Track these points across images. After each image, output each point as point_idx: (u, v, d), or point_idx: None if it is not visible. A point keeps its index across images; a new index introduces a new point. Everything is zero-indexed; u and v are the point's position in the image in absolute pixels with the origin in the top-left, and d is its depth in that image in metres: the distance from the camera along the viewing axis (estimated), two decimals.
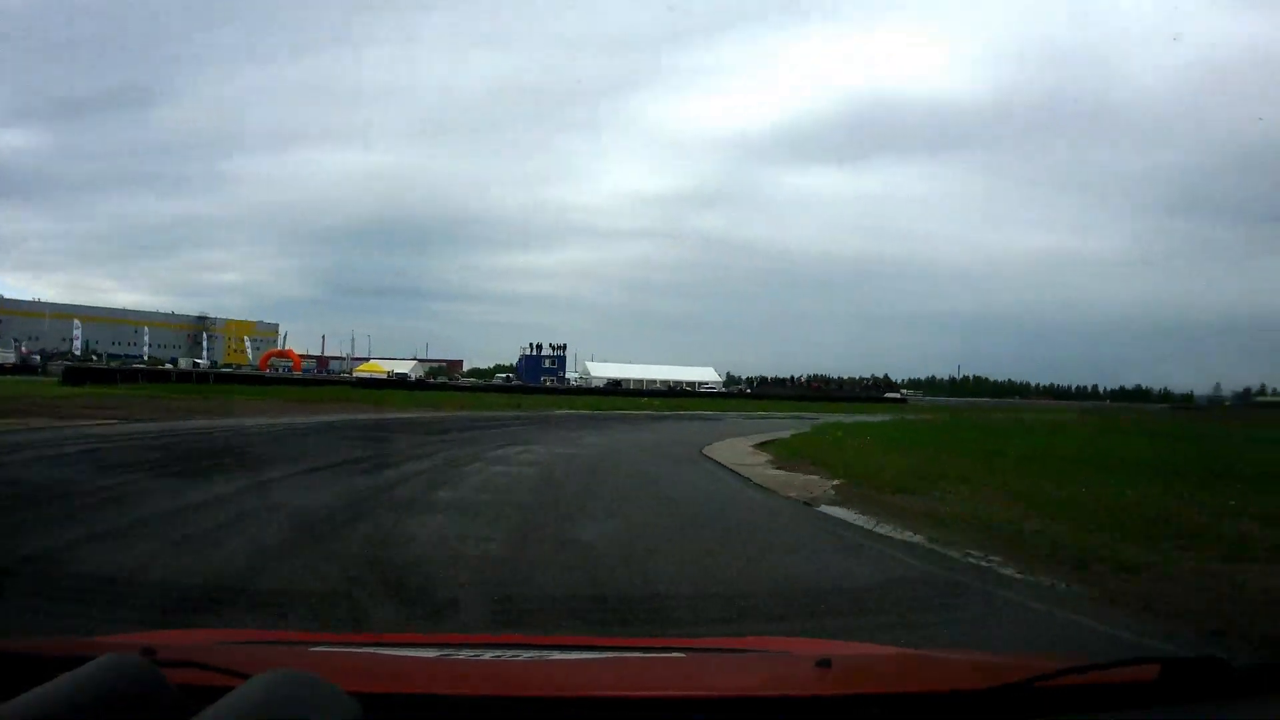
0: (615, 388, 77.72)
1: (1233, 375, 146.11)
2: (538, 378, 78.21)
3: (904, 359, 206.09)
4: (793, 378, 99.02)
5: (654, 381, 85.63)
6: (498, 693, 1.42)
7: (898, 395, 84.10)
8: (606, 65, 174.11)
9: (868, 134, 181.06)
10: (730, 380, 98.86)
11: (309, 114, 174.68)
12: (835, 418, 35.01)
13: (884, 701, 1.40)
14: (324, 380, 59.84)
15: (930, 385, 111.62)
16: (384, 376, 68.01)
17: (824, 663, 1.52)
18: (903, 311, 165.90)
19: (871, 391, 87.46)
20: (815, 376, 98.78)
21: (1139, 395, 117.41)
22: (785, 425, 28.34)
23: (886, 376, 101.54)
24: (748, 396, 72.17)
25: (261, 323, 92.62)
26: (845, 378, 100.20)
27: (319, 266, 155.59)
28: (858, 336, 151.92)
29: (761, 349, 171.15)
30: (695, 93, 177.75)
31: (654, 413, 40.79)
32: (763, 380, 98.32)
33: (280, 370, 72.29)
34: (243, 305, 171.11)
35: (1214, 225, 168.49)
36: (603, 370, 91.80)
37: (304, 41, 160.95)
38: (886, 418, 36.62)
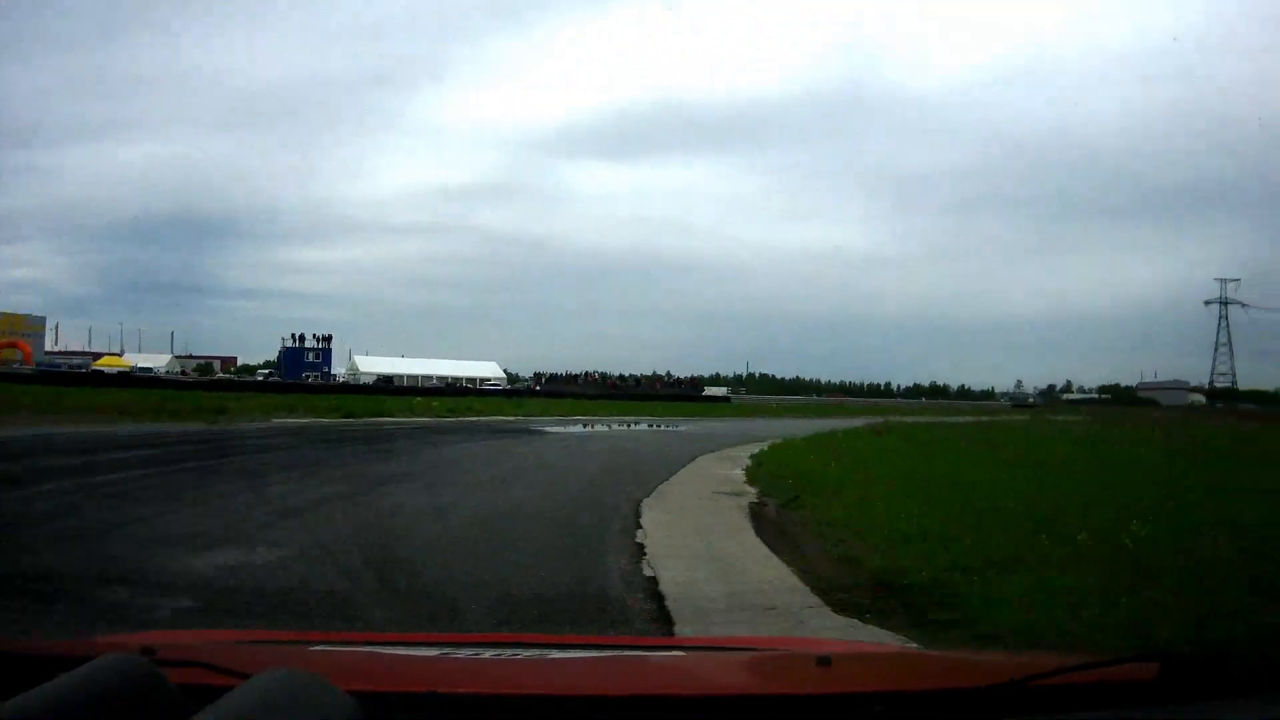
0: (386, 384, 70.15)
1: (1029, 373, 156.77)
2: (300, 373, 69.09)
3: (695, 355, 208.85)
4: (586, 374, 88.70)
5: (430, 378, 77.06)
6: (497, 691, 1.42)
7: (721, 393, 78.48)
8: (392, 59, 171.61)
9: (658, 131, 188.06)
10: (513, 378, 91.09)
11: (88, 107, 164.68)
12: (717, 425, 31.20)
13: (884, 700, 1.41)
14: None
15: (721, 381, 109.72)
16: (125, 371, 63.03)
17: (824, 661, 1.54)
18: (693, 307, 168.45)
19: (685, 390, 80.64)
20: (623, 376, 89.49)
21: (937, 392, 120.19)
22: (694, 452, 17.59)
23: (699, 375, 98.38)
24: (536, 394, 61.61)
25: (31, 316, 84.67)
26: (645, 375, 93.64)
27: (101, 262, 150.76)
28: (647, 332, 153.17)
29: (546, 344, 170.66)
30: (485, 87, 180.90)
31: (416, 420, 28.10)
32: (553, 377, 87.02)
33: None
34: (35, 302, 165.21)
35: (1004, 224, 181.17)
36: (373, 365, 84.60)
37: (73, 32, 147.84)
38: (821, 425, 28.87)
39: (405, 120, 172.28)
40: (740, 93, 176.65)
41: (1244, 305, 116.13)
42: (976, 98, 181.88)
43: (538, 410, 38.72)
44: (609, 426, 29.31)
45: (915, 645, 4.12)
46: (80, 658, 1.16)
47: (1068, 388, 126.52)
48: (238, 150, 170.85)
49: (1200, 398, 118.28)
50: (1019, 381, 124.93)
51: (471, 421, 29.06)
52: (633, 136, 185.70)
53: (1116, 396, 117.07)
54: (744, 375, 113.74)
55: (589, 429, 27.50)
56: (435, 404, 38.56)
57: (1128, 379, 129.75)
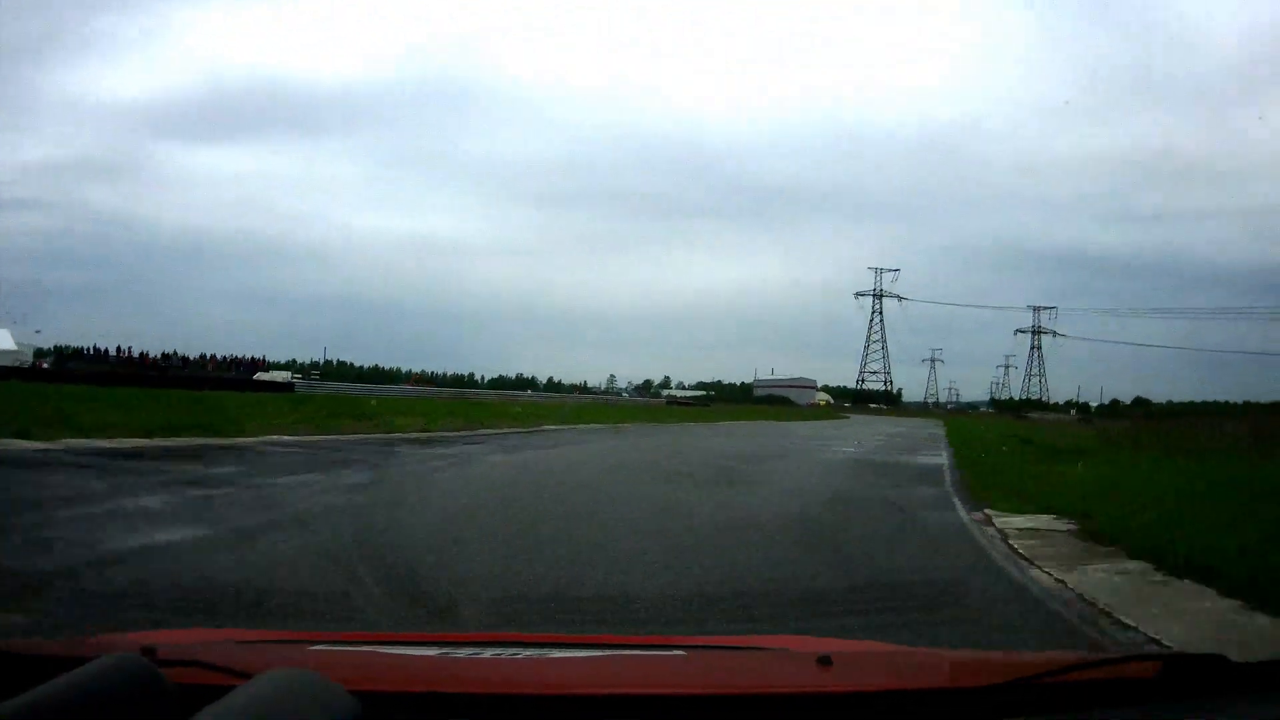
0: None
1: (630, 369, 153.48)
2: None
3: (287, 340, 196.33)
4: (119, 350, 56.18)
5: None
6: (498, 691, 1.43)
7: (284, 378, 58.50)
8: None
9: (258, 112, 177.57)
10: (41, 351, 66.45)
11: None
12: None
13: (884, 699, 1.41)
14: None
15: (294, 367, 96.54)
16: None
17: (824, 660, 1.53)
18: (289, 292, 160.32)
19: (236, 373, 57.25)
20: (166, 355, 58.07)
21: (525, 384, 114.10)
22: None
23: (265, 358, 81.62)
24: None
25: None
26: (204, 356, 74.37)
27: None
28: (241, 315, 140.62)
29: (139, 322, 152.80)
30: (90, 60, 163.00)
31: None
32: (78, 353, 55.16)
33: None
34: None
35: (603, 218, 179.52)
36: None
37: None
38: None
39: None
40: (339, 78, 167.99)
41: (899, 299, 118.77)
42: (577, 90, 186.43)
43: None
44: None
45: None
46: (80, 658, 1.16)
47: (666, 383, 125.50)
48: None
49: (826, 396, 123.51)
50: (612, 376, 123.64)
51: None
52: (232, 117, 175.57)
53: (722, 394, 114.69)
54: (320, 361, 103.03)
55: None
56: None
57: (744, 376, 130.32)
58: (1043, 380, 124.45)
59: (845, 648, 2.22)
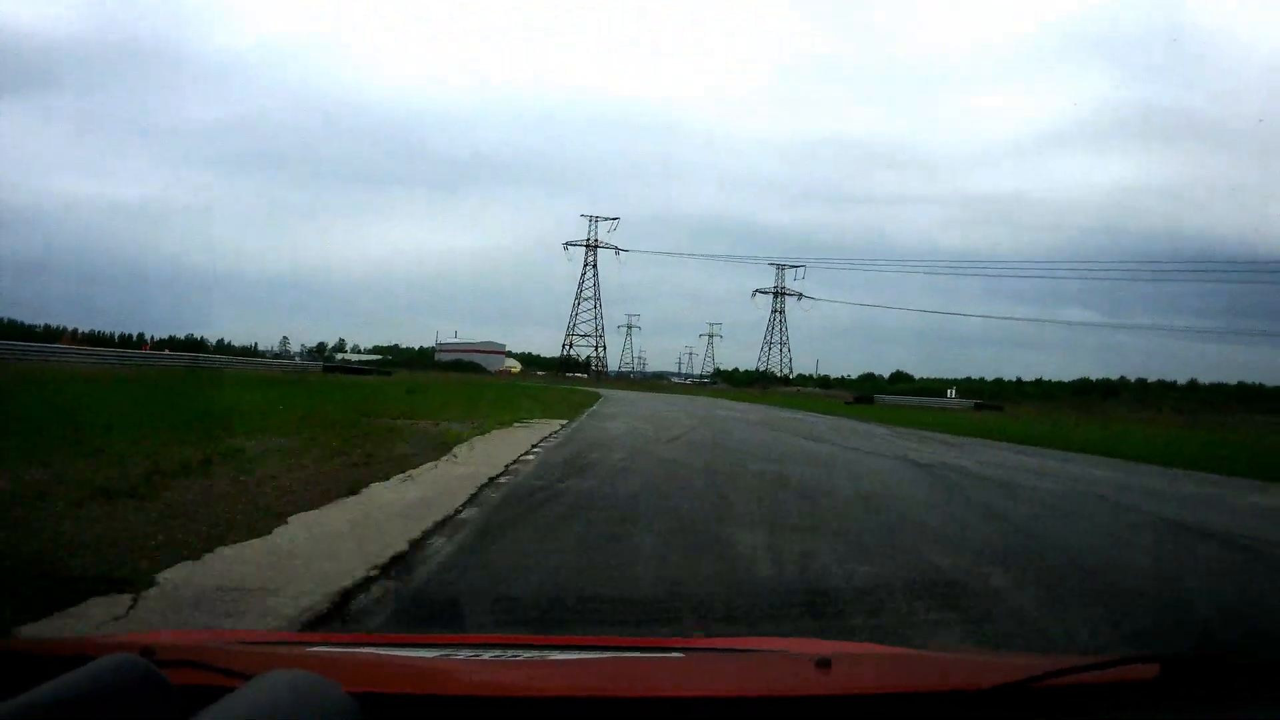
0: None
1: (304, 332, 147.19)
2: None
3: None
4: None
5: None
6: (497, 693, 1.43)
7: None
8: None
9: None
10: None
11: None
12: None
13: (884, 702, 1.41)
14: None
15: None
16: None
17: (824, 663, 1.53)
18: None
19: None
20: None
21: (195, 346, 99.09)
22: None
23: None
24: None
25: None
26: None
27: None
28: None
29: None
30: None
31: None
32: None
33: None
34: None
35: (281, 182, 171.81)
36: None
37: None
38: None
39: None
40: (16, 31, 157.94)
41: (617, 250, 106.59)
42: (269, 55, 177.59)
43: None
44: None
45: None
46: (81, 658, 1.16)
47: (341, 346, 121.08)
48: None
49: (515, 363, 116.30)
50: (285, 338, 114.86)
51: None
52: None
53: (400, 358, 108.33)
54: None
55: None
56: None
57: (427, 341, 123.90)
58: (784, 349, 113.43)
59: (844, 650, 2.23)
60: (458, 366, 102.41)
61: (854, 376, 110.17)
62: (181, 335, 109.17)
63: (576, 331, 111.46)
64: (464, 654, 1.91)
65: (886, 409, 53.28)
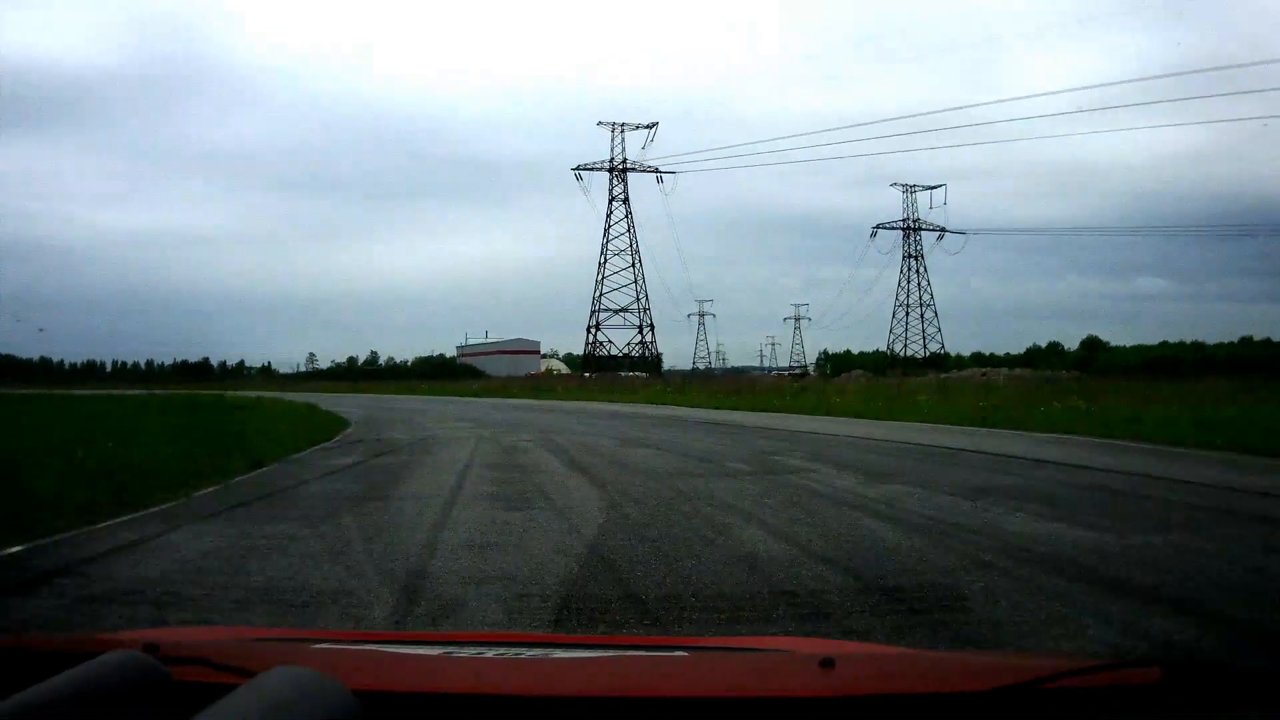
0: None
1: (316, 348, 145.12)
2: None
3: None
4: None
5: None
6: (499, 691, 1.42)
7: None
8: None
9: None
10: None
11: None
12: None
13: (887, 702, 1.41)
14: None
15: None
16: None
17: (827, 663, 1.52)
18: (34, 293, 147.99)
19: None
20: None
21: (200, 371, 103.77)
22: None
23: None
24: None
25: None
26: None
27: None
28: None
29: None
30: None
31: None
32: None
33: None
34: None
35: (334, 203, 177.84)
36: None
37: None
38: None
39: None
40: (61, 66, 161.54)
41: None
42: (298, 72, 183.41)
43: None
44: None
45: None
46: (83, 654, 1.15)
47: (373, 359, 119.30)
48: None
49: (560, 364, 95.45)
50: (311, 355, 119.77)
51: None
52: None
53: (418, 367, 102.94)
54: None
55: None
56: None
57: (447, 349, 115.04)
58: (925, 316, 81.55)
59: (848, 650, 2.22)
60: (468, 373, 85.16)
61: (1016, 353, 76.79)
62: (246, 359, 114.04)
63: (604, 306, 76.18)
64: (467, 651, 1.91)
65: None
